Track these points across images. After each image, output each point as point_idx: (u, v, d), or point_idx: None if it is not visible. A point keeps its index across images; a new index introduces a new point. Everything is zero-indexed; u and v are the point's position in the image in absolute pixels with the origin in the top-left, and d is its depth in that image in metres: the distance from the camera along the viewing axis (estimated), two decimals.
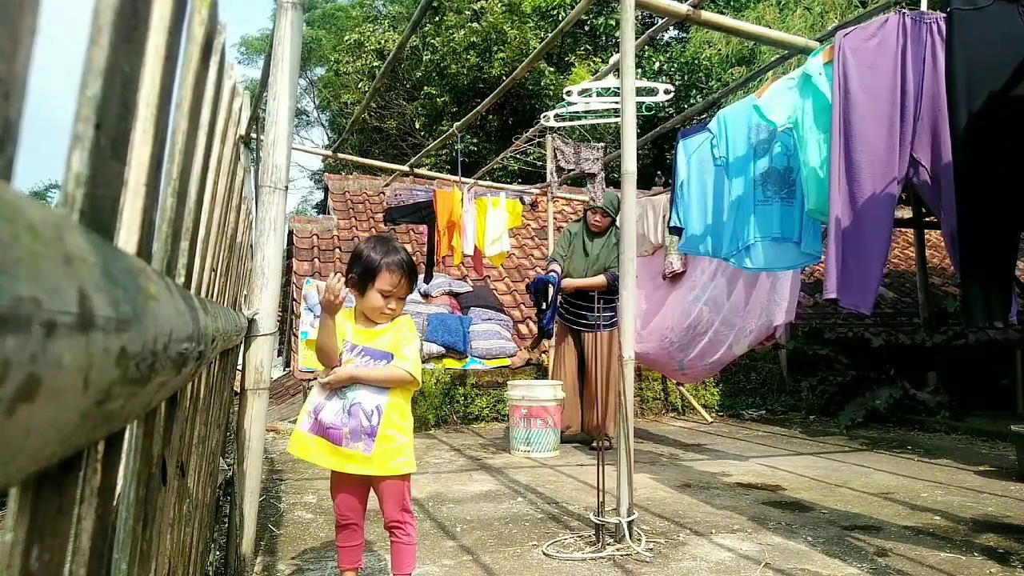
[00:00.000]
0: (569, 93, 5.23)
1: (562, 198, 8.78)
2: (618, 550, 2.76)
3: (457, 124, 6.32)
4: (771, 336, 5.13)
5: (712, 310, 5.34)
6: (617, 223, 5.29)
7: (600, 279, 5.25)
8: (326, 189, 10.82)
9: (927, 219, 7.22)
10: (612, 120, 5.48)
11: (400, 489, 2.12)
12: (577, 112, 5.37)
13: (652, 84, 5.15)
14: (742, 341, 5.15)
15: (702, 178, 4.07)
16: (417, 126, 14.85)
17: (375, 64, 14.68)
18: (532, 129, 6.30)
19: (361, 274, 2.09)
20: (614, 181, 10.22)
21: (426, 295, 7.39)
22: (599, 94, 5.19)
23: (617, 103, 3.91)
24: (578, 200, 8.56)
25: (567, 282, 5.27)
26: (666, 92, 5.09)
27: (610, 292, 5.06)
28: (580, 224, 5.57)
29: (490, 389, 6.90)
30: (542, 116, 5.69)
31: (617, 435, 3.04)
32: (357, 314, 2.17)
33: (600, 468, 3.03)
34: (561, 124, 5.49)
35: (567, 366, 5.56)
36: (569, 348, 5.55)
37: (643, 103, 5.00)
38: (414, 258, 2.35)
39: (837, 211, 3.04)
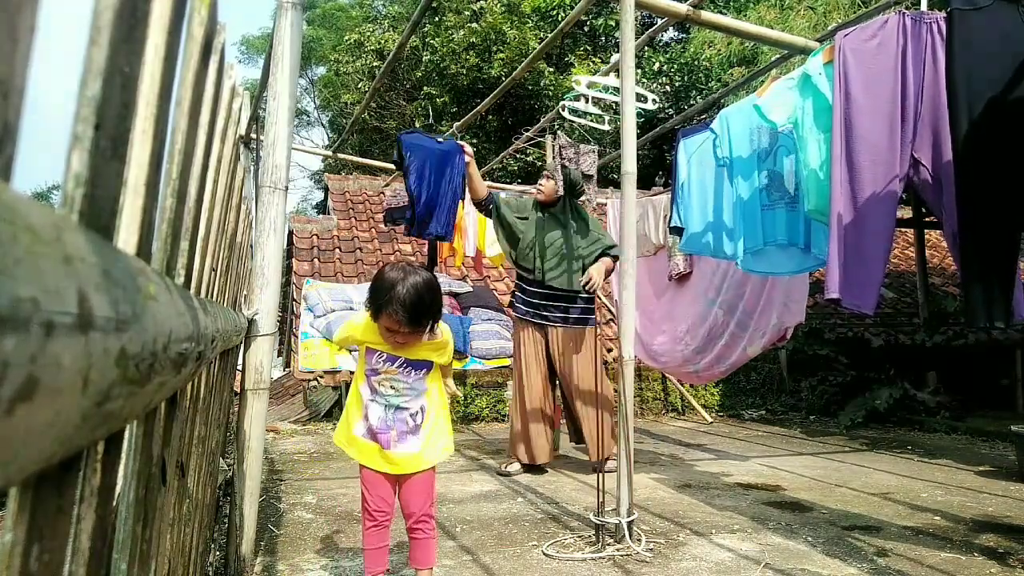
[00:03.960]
0: (578, 83, 5.22)
1: None
2: (618, 550, 2.76)
3: (457, 124, 6.32)
4: (783, 337, 5.13)
5: (727, 312, 5.34)
6: (579, 198, 4.54)
7: (608, 263, 4.30)
8: (326, 189, 10.82)
9: (927, 219, 7.22)
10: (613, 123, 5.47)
11: (432, 479, 2.17)
12: (578, 110, 5.36)
13: (641, 91, 5.12)
14: (756, 343, 5.15)
15: (702, 178, 4.07)
16: (417, 126, 14.85)
17: (375, 64, 14.69)
18: (537, 126, 6.30)
19: (373, 306, 2.06)
20: (614, 181, 10.16)
21: None
22: (605, 90, 5.19)
23: (617, 100, 3.91)
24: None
25: (598, 279, 4.13)
26: (653, 101, 5.10)
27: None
28: (531, 208, 4.60)
29: (490, 389, 6.90)
30: (559, 106, 5.61)
31: (617, 436, 3.04)
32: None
33: (600, 468, 3.03)
34: (573, 118, 5.46)
35: (534, 378, 4.43)
36: (537, 352, 4.45)
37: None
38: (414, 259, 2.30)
39: (838, 211, 3.04)
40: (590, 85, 5.19)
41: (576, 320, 4.38)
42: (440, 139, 4.70)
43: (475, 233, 6.45)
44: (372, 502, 2.14)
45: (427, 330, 2.09)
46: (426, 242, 6.80)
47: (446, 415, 2.21)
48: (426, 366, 2.13)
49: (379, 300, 2.01)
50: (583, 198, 4.79)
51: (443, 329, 2.18)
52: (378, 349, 2.11)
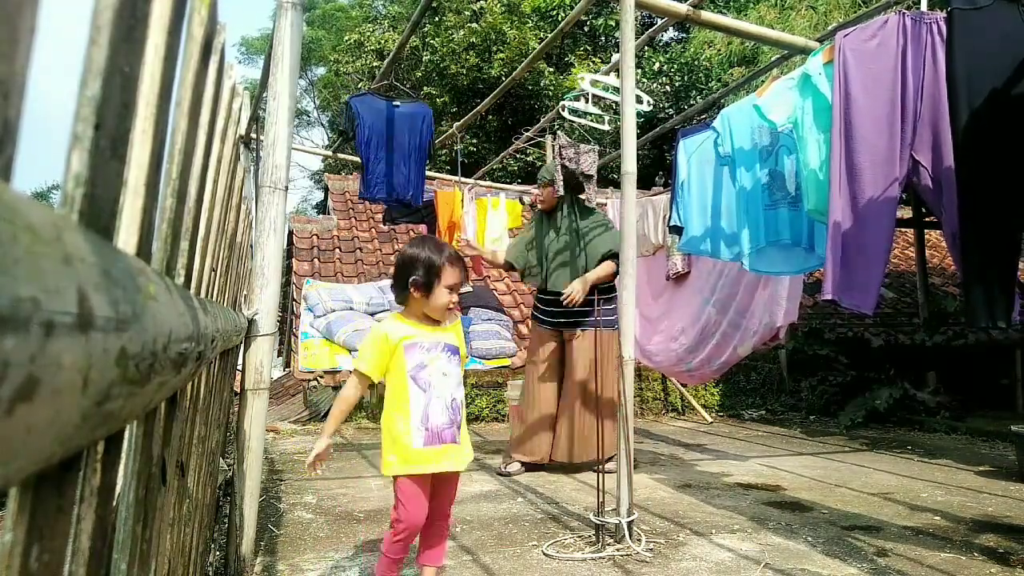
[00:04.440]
0: (582, 79, 5.22)
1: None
2: (618, 550, 2.76)
3: (457, 124, 6.33)
4: (775, 336, 5.12)
5: (719, 311, 5.34)
6: (582, 194, 4.44)
7: (609, 267, 4.25)
8: (326, 189, 10.82)
9: (927, 219, 7.22)
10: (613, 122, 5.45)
11: (459, 479, 2.19)
12: (578, 110, 5.35)
13: (638, 92, 5.11)
14: (747, 342, 5.15)
15: (702, 178, 4.07)
16: None
17: (375, 64, 14.70)
18: (537, 126, 6.30)
19: (426, 275, 2.08)
20: (614, 181, 10.14)
21: None
22: (606, 89, 5.19)
23: (617, 99, 3.92)
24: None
25: (586, 279, 4.16)
26: (648, 103, 5.11)
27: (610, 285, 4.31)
28: (534, 219, 4.65)
29: (490, 389, 6.90)
30: (559, 106, 5.59)
31: (617, 436, 3.04)
32: (410, 316, 2.15)
33: (600, 468, 3.03)
34: (572, 118, 5.45)
35: (548, 378, 4.44)
36: (553, 354, 4.45)
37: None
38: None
39: (837, 212, 3.04)
40: (593, 83, 5.18)
41: (593, 324, 4.18)
42: (398, 103, 4.68)
43: (474, 232, 6.45)
44: (413, 514, 2.04)
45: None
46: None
47: None
48: (457, 352, 2.17)
49: (436, 262, 2.07)
50: (583, 197, 4.77)
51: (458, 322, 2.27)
52: (416, 340, 2.08)
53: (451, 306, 2.12)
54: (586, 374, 4.30)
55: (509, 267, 4.66)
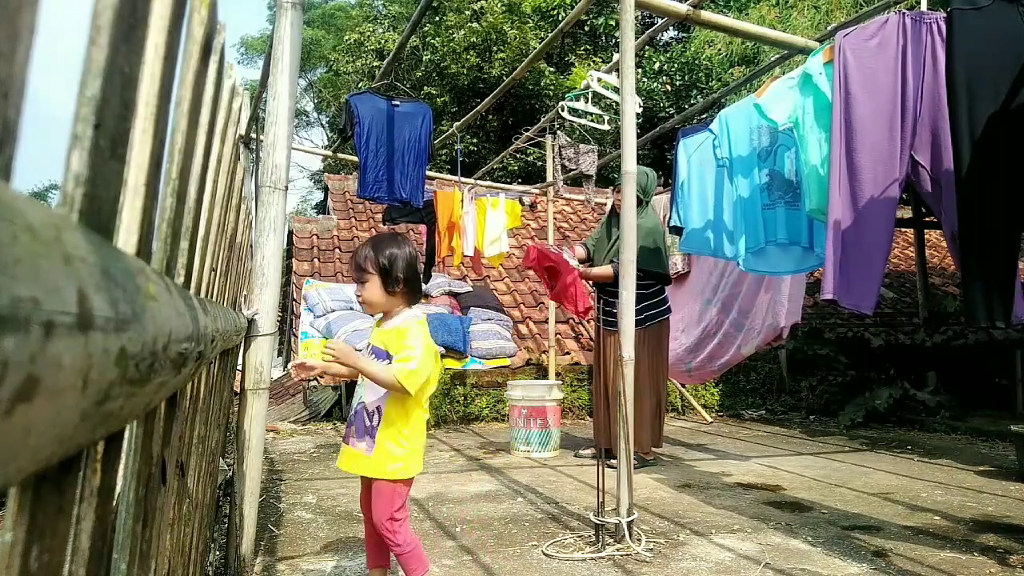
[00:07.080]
0: (590, 77, 5.20)
1: (563, 198, 8.78)
2: (618, 550, 2.76)
3: (457, 124, 6.32)
4: (778, 336, 5.12)
5: (722, 312, 5.33)
6: (648, 201, 4.60)
7: (606, 269, 4.46)
8: (326, 189, 10.82)
9: (927, 219, 7.22)
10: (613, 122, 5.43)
11: (390, 492, 2.00)
12: (578, 110, 5.35)
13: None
14: (751, 342, 5.15)
15: (702, 178, 4.07)
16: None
17: (375, 64, 14.69)
18: (537, 126, 6.30)
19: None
20: (614, 181, 10.11)
21: (426, 295, 7.40)
22: (607, 87, 5.18)
23: (617, 99, 3.92)
24: (578, 200, 8.56)
25: (580, 270, 4.51)
26: (639, 105, 5.08)
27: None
28: (610, 210, 4.88)
29: (490, 389, 6.90)
30: (559, 106, 5.56)
31: (616, 436, 3.04)
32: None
33: (600, 468, 3.03)
34: (572, 119, 5.43)
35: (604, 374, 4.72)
36: (608, 353, 4.67)
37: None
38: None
39: (837, 212, 3.04)
40: (599, 81, 5.14)
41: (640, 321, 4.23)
42: (397, 102, 4.69)
43: (474, 232, 6.44)
44: (362, 506, 2.17)
45: (379, 287, 2.04)
46: (426, 239, 6.80)
47: (412, 435, 2.03)
48: (385, 357, 2.02)
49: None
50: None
51: (409, 320, 2.07)
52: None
53: (358, 297, 2.10)
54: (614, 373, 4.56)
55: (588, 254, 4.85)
